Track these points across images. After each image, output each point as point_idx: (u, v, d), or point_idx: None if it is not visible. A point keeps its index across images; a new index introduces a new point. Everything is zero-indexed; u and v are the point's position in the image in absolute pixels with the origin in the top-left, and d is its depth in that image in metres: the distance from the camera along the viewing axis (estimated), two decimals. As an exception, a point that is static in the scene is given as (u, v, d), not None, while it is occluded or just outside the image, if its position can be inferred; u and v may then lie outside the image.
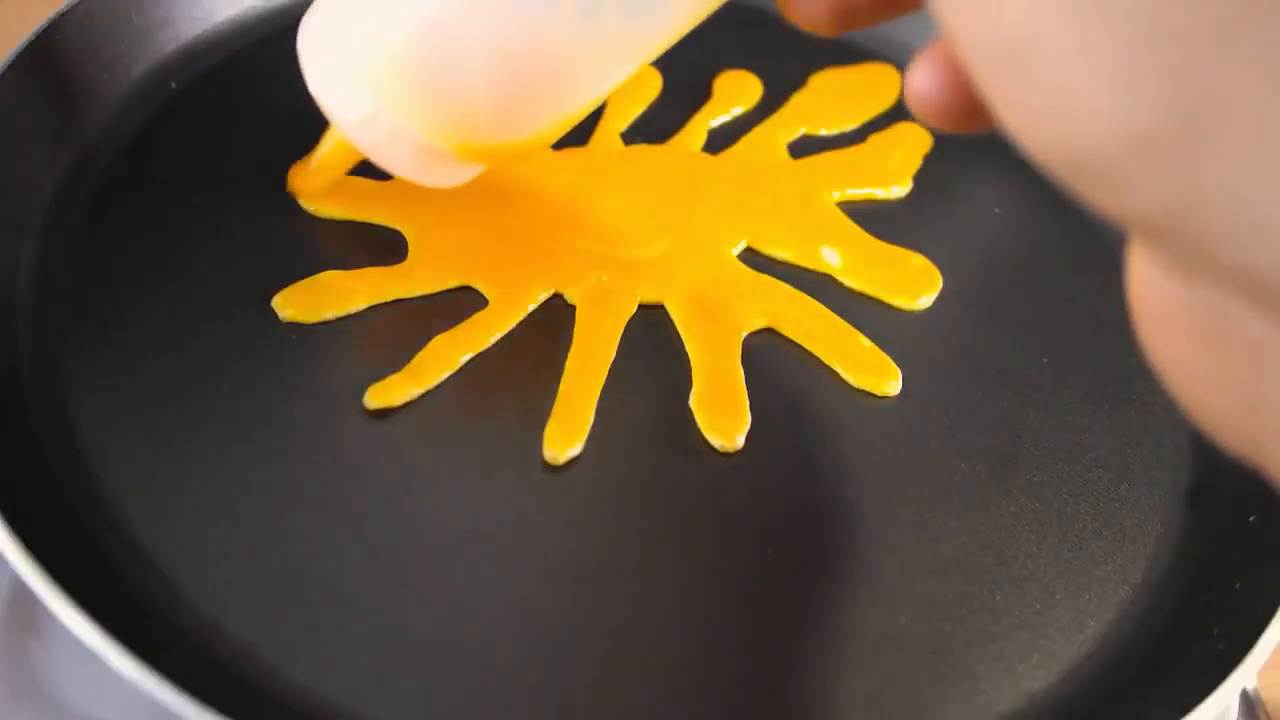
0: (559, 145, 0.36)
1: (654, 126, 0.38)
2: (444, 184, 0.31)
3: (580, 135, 0.37)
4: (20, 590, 0.26)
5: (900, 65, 0.42)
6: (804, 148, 0.38)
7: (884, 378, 0.32)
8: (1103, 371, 0.34)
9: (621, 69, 0.30)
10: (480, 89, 0.28)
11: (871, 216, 0.36)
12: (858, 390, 0.32)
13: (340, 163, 0.33)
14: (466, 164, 0.30)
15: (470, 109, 0.29)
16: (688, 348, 0.32)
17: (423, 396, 0.30)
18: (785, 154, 0.38)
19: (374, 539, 0.27)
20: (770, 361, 0.32)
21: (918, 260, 0.35)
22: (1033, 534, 0.30)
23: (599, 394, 0.30)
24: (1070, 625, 0.28)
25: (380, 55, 0.28)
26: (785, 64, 0.41)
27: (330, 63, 0.29)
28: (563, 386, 0.30)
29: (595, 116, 0.38)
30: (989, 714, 0.27)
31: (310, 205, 0.33)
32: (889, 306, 0.34)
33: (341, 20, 0.29)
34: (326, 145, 0.32)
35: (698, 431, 0.30)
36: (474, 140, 0.29)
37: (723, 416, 0.30)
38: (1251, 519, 0.30)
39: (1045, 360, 0.34)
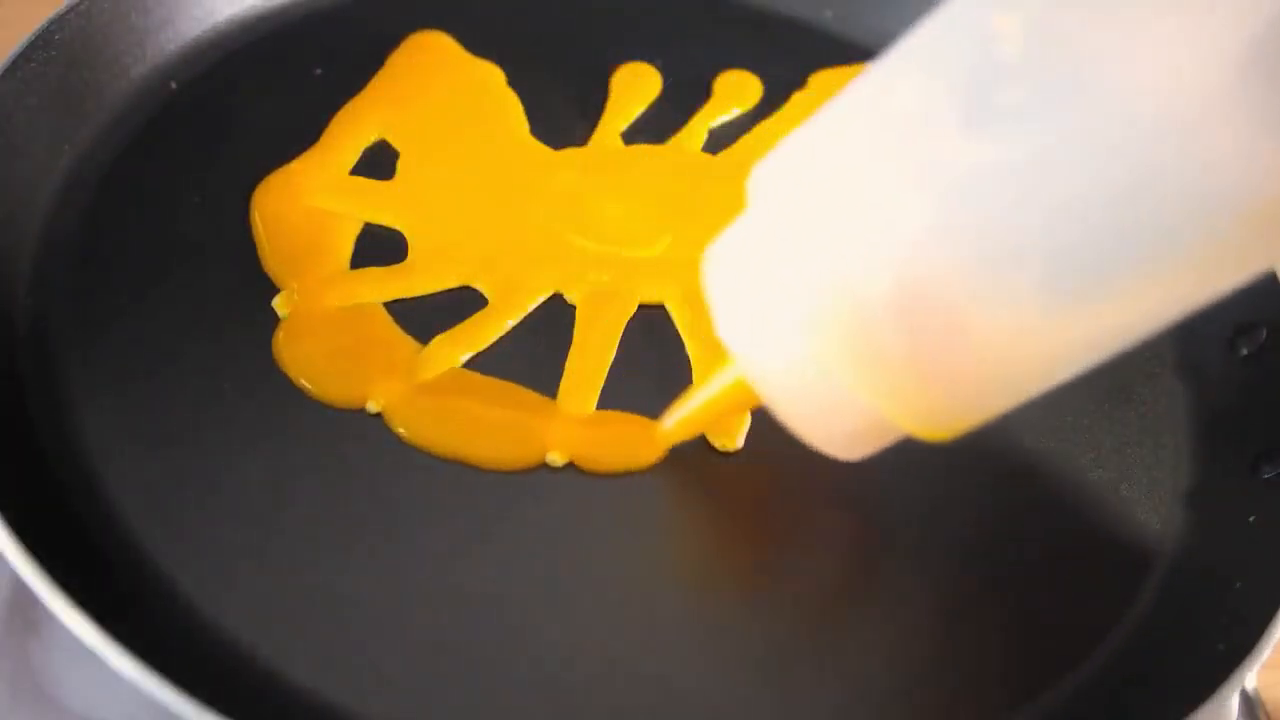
0: (559, 145, 0.36)
1: (654, 126, 0.38)
2: (850, 457, 0.26)
3: (580, 135, 0.37)
4: (20, 590, 0.26)
5: (900, 65, 0.42)
6: (804, 148, 0.38)
7: None
8: (1103, 371, 0.34)
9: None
10: (967, 363, 0.22)
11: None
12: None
13: (709, 419, 0.28)
14: (893, 438, 0.25)
15: (974, 379, 0.23)
16: (688, 348, 0.32)
17: (423, 396, 0.30)
18: (785, 154, 0.38)
19: (374, 539, 0.27)
20: (770, 361, 0.32)
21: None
22: (1032, 534, 0.30)
23: (599, 394, 0.30)
24: (1070, 625, 0.28)
25: (842, 304, 0.22)
26: (785, 64, 0.41)
27: (758, 296, 0.24)
28: (563, 386, 0.30)
29: (595, 116, 0.38)
30: (989, 714, 0.27)
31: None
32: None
33: (788, 246, 0.23)
34: (704, 396, 0.27)
35: (698, 431, 0.30)
36: (942, 419, 0.24)
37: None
38: (1251, 519, 0.30)
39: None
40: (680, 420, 0.28)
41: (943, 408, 0.24)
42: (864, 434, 0.25)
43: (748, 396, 0.26)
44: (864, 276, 0.22)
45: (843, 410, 0.24)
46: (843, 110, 0.24)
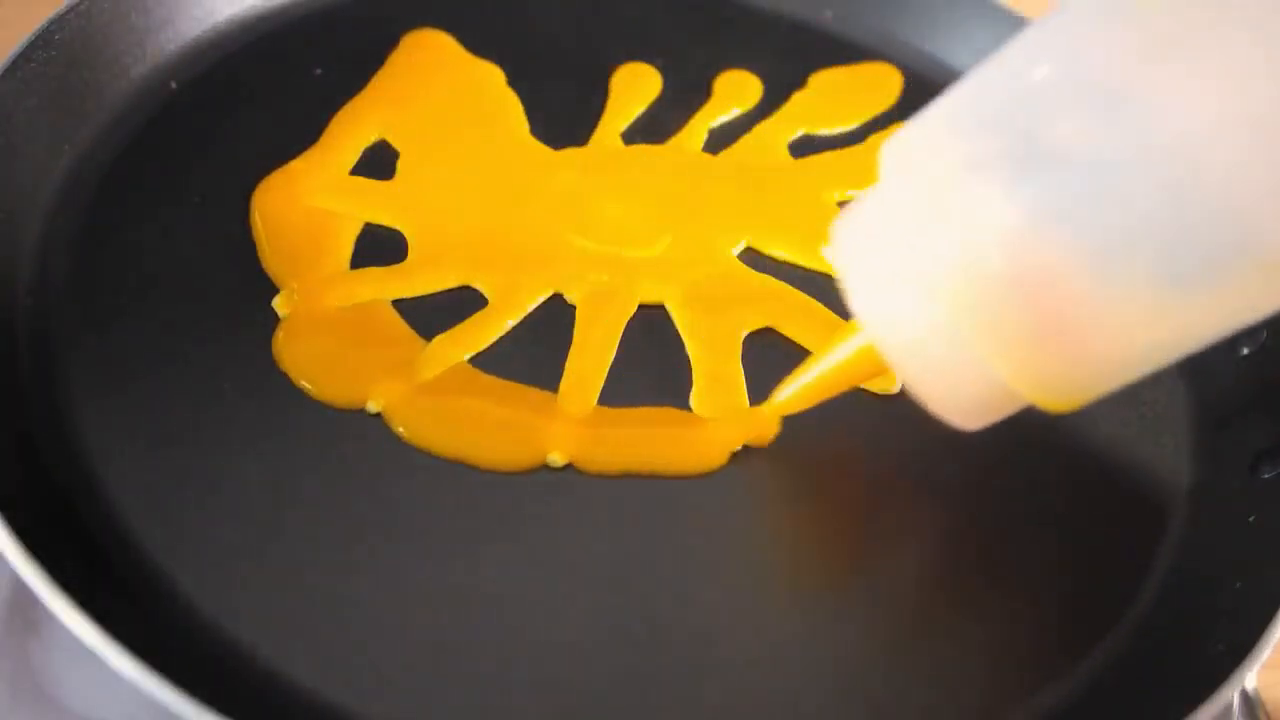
0: (559, 145, 0.36)
1: (654, 126, 0.38)
2: (971, 426, 0.26)
3: (580, 135, 0.37)
4: (20, 590, 0.26)
5: (900, 65, 0.42)
6: (804, 148, 0.38)
7: (883, 377, 0.32)
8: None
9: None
10: (1087, 340, 0.23)
11: (871, 216, 0.36)
12: (857, 389, 0.32)
13: (826, 390, 0.28)
14: (1015, 408, 0.25)
15: (1098, 352, 0.23)
16: (688, 348, 0.32)
17: (423, 396, 0.30)
18: (785, 154, 0.38)
19: (374, 539, 0.27)
20: (770, 361, 0.32)
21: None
22: (1032, 533, 0.30)
23: (599, 394, 0.30)
24: (1070, 625, 0.28)
25: (971, 276, 0.23)
26: (785, 64, 0.41)
27: (890, 265, 0.24)
28: (563, 386, 0.30)
29: (595, 116, 0.38)
30: (989, 714, 0.27)
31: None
32: (889, 306, 0.34)
33: (924, 202, 0.24)
34: (824, 366, 0.28)
35: (698, 431, 0.30)
36: (1064, 391, 0.24)
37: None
38: (1251, 519, 0.30)
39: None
40: (796, 392, 0.29)
41: (1065, 380, 0.24)
42: (988, 402, 0.25)
43: (870, 366, 0.27)
44: (992, 251, 0.23)
45: (970, 378, 0.24)
46: (974, 86, 0.24)
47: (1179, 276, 0.22)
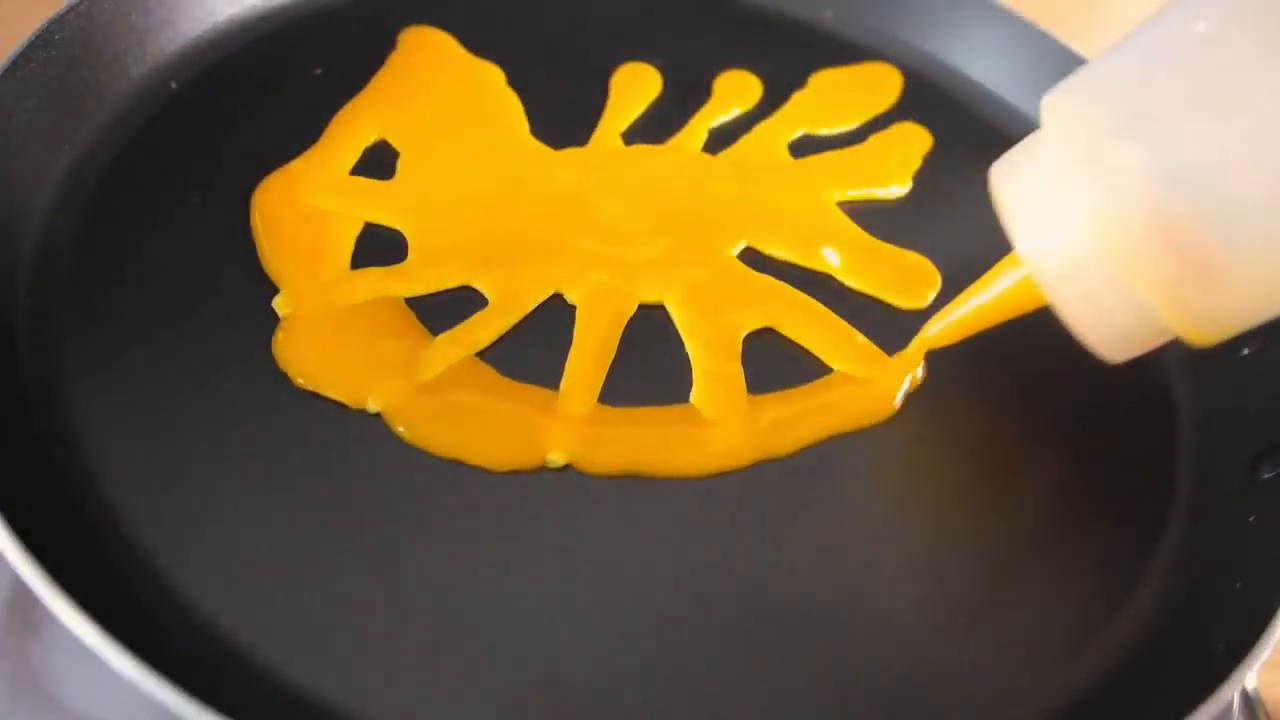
0: (559, 145, 0.36)
1: (654, 126, 0.38)
2: (1118, 357, 0.28)
3: (580, 135, 0.37)
4: (20, 590, 0.26)
5: (900, 65, 0.42)
6: (804, 148, 0.38)
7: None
8: (1103, 370, 0.34)
9: None
10: (1232, 279, 0.25)
11: (871, 216, 0.36)
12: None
13: (979, 323, 0.30)
14: (1160, 341, 0.27)
15: (1239, 290, 0.25)
16: (688, 348, 0.32)
17: (423, 396, 0.30)
18: (785, 154, 0.38)
19: (374, 539, 0.27)
20: (770, 361, 0.32)
21: (917, 260, 0.35)
22: (1032, 534, 0.30)
23: (599, 394, 0.30)
24: (1070, 626, 0.28)
25: (1138, 197, 0.25)
26: (785, 64, 0.41)
27: (1052, 202, 0.26)
28: (563, 386, 0.30)
29: (595, 116, 0.38)
30: (989, 714, 0.27)
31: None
32: (889, 306, 0.34)
33: (1084, 145, 0.26)
34: (981, 299, 0.30)
35: (698, 431, 0.30)
36: (1209, 325, 0.26)
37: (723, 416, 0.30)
38: (1251, 519, 0.30)
39: (1044, 358, 0.34)
40: (949, 325, 0.31)
41: (1208, 314, 0.26)
42: (1134, 333, 0.27)
43: (1026, 298, 0.29)
44: (1135, 204, 0.25)
45: (1119, 309, 0.27)
46: (1140, 38, 0.26)
47: None
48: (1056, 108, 0.27)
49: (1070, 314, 0.28)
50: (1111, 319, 0.27)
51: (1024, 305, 0.29)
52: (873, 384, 0.32)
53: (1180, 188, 0.25)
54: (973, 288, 0.31)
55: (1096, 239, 0.26)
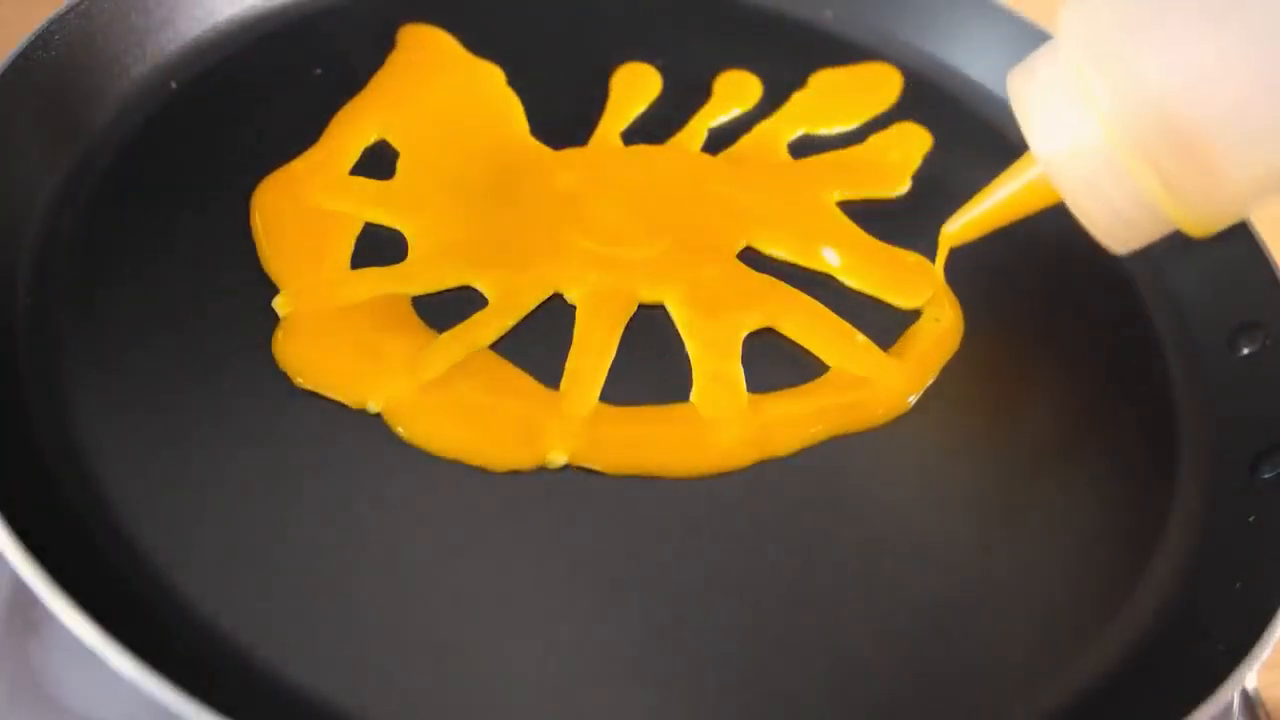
0: (559, 145, 0.36)
1: (654, 126, 0.38)
2: (1122, 249, 0.31)
3: (580, 135, 0.37)
4: (20, 590, 0.26)
5: (900, 65, 0.42)
6: (804, 148, 0.38)
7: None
8: (1103, 370, 0.34)
9: None
10: (1253, 156, 0.27)
11: (871, 216, 0.36)
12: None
13: (998, 219, 0.33)
14: (1162, 232, 0.30)
15: (1230, 178, 0.28)
16: (688, 348, 0.32)
17: (423, 396, 0.30)
18: (785, 154, 0.38)
19: (374, 539, 0.27)
20: (770, 361, 0.32)
21: (917, 260, 0.35)
22: (1033, 534, 0.30)
23: (599, 394, 0.30)
24: (1070, 625, 0.28)
25: (1141, 93, 0.27)
26: (785, 64, 0.41)
27: (1061, 90, 0.29)
28: (563, 386, 0.30)
29: (595, 116, 0.38)
30: (989, 714, 0.27)
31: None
32: (889, 306, 0.34)
33: (1094, 47, 0.28)
34: (999, 195, 0.32)
35: (698, 431, 0.30)
36: (1217, 210, 0.29)
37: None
38: (1251, 519, 0.30)
39: (1044, 358, 0.34)
40: (970, 220, 0.33)
41: (1205, 203, 0.28)
42: (1140, 225, 0.29)
43: (1041, 195, 0.31)
44: (1143, 98, 0.27)
45: (1126, 200, 0.29)
46: None
47: None
48: (1071, 14, 0.29)
49: (1079, 207, 0.30)
50: (1118, 211, 0.29)
51: (1038, 202, 0.31)
52: (875, 385, 0.32)
53: (1183, 85, 0.27)
54: (990, 186, 0.32)
55: (1105, 135, 0.28)
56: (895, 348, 0.33)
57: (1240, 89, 0.27)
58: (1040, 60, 0.30)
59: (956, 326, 0.34)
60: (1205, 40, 0.27)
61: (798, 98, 0.40)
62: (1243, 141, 0.27)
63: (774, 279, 0.34)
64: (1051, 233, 0.36)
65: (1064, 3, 0.29)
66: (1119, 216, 0.29)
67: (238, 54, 0.37)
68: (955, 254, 0.35)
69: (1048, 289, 0.36)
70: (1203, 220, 0.29)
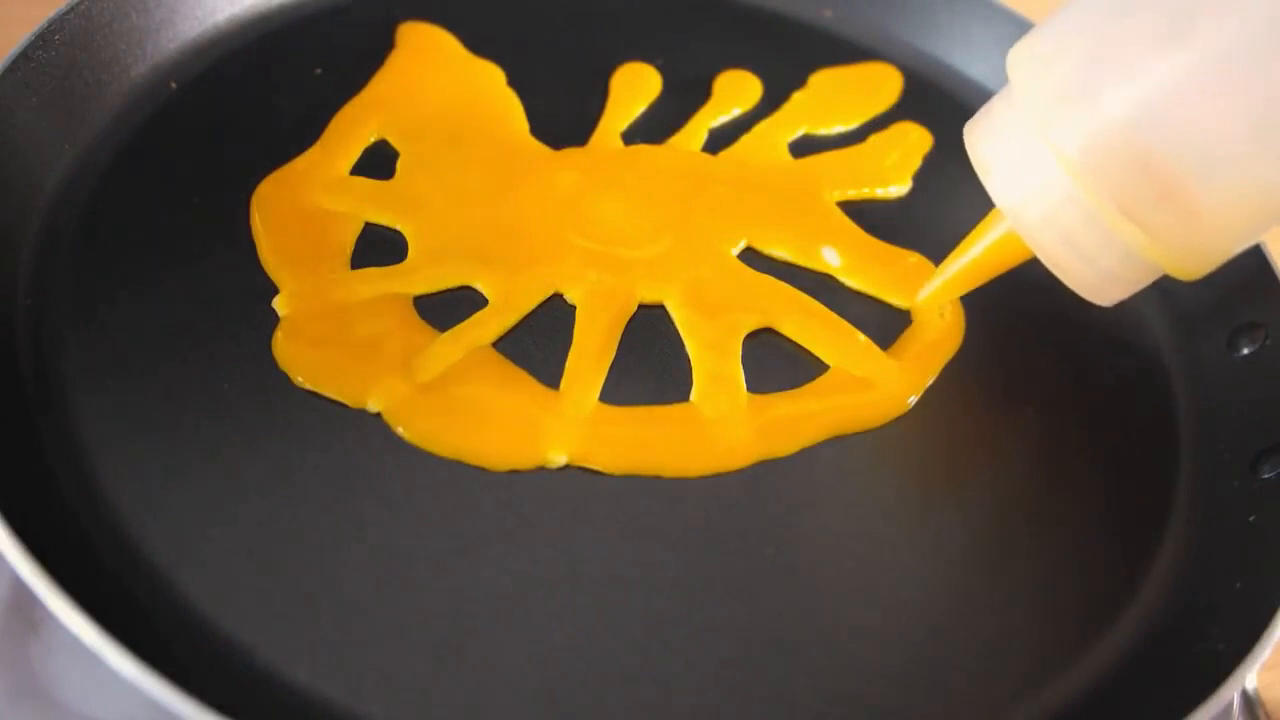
0: (559, 145, 0.36)
1: (654, 126, 0.38)
2: (1106, 301, 0.29)
3: (580, 135, 0.37)
4: (20, 590, 0.26)
5: (900, 65, 0.42)
6: (804, 148, 0.38)
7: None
8: (1102, 369, 0.34)
9: None
10: (1230, 190, 0.26)
11: (871, 216, 0.36)
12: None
13: (972, 280, 0.32)
14: (1156, 275, 0.28)
15: (1211, 216, 0.26)
16: (688, 348, 0.32)
17: (423, 396, 0.30)
18: (785, 154, 0.38)
19: (374, 539, 0.27)
20: (770, 361, 0.32)
21: (917, 260, 0.35)
22: (1033, 534, 0.30)
23: (599, 394, 0.30)
24: (1070, 625, 0.28)
25: (1104, 135, 0.26)
26: (785, 64, 0.41)
27: (1025, 154, 0.27)
28: (563, 386, 0.30)
29: (595, 116, 0.38)
30: (989, 714, 0.27)
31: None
32: (889, 306, 0.34)
33: (1049, 91, 0.27)
34: (970, 256, 0.31)
35: (698, 431, 0.30)
36: (1203, 251, 0.27)
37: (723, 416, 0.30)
38: (1251, 519, 0.30)
39: (1044, 358, 0.34)
40: (942, 285, 0.32)
41: (1186, 244, 0.27)
42: (1120, 274, 0.28)
43: (1012, 251, 0.30)
44: (1125, 130, 0.26)
45: (1103, 250, 0.27)
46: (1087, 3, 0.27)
47: (1269, 149, 0.25)
48: (1021, 60, 0.28)
49: (1054, 261, 0.28)
50: (1094, 261, 0.28)
51: (1009, 259, 0.31)
52: (875, 385, 0.32)
53: (1145, 118, 0.25)
54: (959, 248, 0.32)
55: (1071, 180, 0.27)
56: (895, 348, 0.33)
57: (1205, 115, 0.25)
58: (996, 108, 0.29)
59: (959, 323, 0.34)
60: (1166, 65, 0.25)
61: (798, 98, 0.40)
62: (1216, 174, 0.26)
63: (774, 279, 0.34)
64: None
65: (1013, 50, 0.28)
66: (1098, 268, 0.28)
67: (238, 54, 0.37)
68: (950, 248, 0.35)
69: (1047, 290, 0.36)
70: (1190, 263, 0.27)
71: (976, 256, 0.31)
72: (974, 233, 0.31)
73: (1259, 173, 0.25)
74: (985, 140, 0.29)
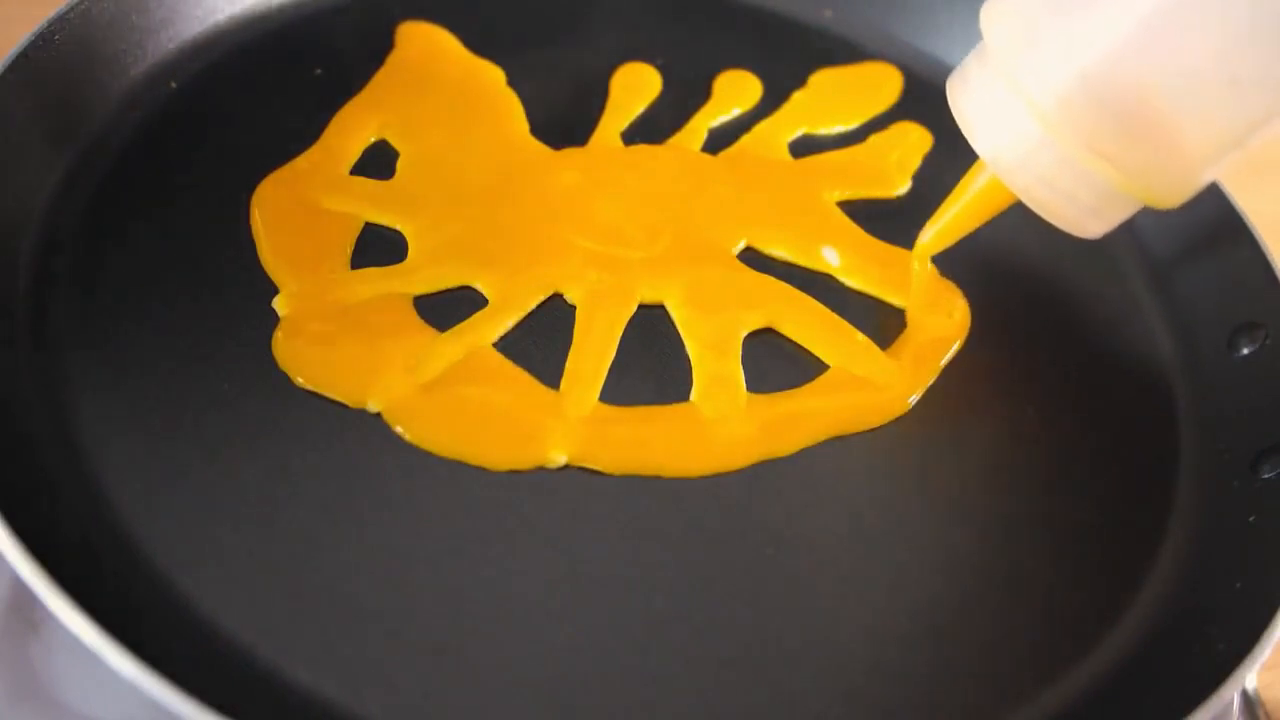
0: (559, 145, 0.36)
1: (654, 126, 0.38)
2: (1092, 234, 0.30)
3: (580, 135, 0.37)
4: (20, 590, 0.26)
5: (900, 65, 0.42)
6: (804, 148, 0.38)
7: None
8: (1102, 369, 0.34)
9: None
10: (1195, 119, 0.27)
11: (871, 216, 0.36)
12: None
13: (965, 225, 0.33)
14: (1136, 207, 0.29)
15: (1178, 146, 0.27)
16: (688, 348, 0.32)
17: (423, 396, 0.30)
18: (785, 154, 0.38)
19: (374, 539, 0.27)
20: (770, 361, 0.32)
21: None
22: (1033, 534, 0.30)
23: (599, 394, 0.30)
24: (1071, 625, 0.28)
25: (1068, 79, 0.27)
26: (785, 64, 0.41)
27: (993, 90, 0.29)
28: (563, 386, 0.30)
29: (595, 116, 0.38)
30: (989, 714, 0.27)
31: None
32: (889, 306, 0.34)
33: (1016, 41, 0.28)
34: (961, 203, 0.32)
35: (698, 431, 0.30)
36: (1170, 186, 0.28)
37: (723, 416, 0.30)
38: (1251, 519, 0.30)
39: (1044, 357, 0.34)
40: (940, 230, 0.33)
41: (1159, 174, 0.28)
42: (1098, 208, 0.29)
43: (998, 197, 0.31)
44: (1087, 73, 0.27)
45: (1078, 186, 0.29)
46: None
47: (1236, 80, 0.26)
48: (991, 14, 0.29)
49: (1035, 201, 0.30)
50: (1073, 199, 0.29)
51: (997, 204, 0.32)
52: (875, 385, 0.32)
53: (1107, 60, 0.27)
54: (951, 196, 0.33)
55: (1041, 123, 0.28)
56: (895, 347, 0.33)
57: (1170, 48, 0.26)
58: (971, 63, 0.30)
59: (966, 320, 0.34)
60: (1123, 6, 0.26)
61: (798, 98, 0.40)
62: (1184, 104, 0.27)
63: (774, 279, 0.34)
64: (1050, 234, 0.36)
65: (984, 7, 0.29)
66: (1080, 206, 0.29)
67: (238, 54, 0.37)
68: (954, 256, 0.35)
69: (1047, 290, 0.36)
70: (1165, 193, 0.29)
71: (966, 204, 0.32)
72: (962, 182, 0.32)
73: (1226, 101, 0.27)
74: (962, 94, 0.30)
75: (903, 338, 0.33)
